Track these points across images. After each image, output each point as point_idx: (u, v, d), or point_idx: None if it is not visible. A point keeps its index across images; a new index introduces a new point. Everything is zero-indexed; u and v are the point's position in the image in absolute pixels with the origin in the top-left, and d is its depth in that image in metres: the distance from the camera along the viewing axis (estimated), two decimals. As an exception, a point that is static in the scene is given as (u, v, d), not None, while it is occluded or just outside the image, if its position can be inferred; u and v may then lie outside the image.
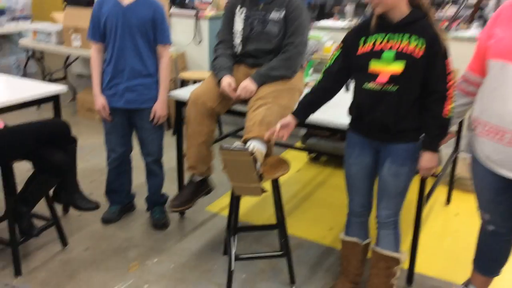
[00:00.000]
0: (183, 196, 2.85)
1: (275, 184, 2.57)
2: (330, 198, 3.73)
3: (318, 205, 3.62)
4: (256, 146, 2.43)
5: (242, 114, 2.88)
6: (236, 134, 3.98)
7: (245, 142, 2.50)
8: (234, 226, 2.58)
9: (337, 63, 2.32)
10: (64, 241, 2.94)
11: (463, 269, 2.87)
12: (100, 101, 2.97)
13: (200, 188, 2.90)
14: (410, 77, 2.14)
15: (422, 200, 2.58)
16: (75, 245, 2.99)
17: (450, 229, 3.35)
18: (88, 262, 2.82)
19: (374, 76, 2.19)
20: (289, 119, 2.36)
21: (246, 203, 3.54)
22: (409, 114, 2.20)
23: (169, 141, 3.77)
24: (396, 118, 2.20)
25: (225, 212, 3.43)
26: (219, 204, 3.56)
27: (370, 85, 2.19)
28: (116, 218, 3.27)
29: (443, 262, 2.96)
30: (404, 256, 2.45)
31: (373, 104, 2.21)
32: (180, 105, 3.13)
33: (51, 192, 2.82)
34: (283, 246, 2.69)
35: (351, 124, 2.40)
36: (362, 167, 2.39)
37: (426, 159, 2.22)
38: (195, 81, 4.62)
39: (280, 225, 2.65)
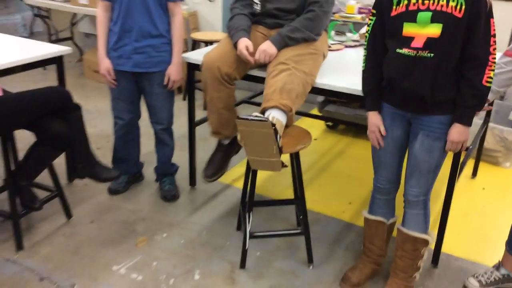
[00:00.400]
0: (215, 163, 2.71)
1: (296, 157, 2.36)
2: (349, 169, 3.52)
3: (336, 177, 3.42)
4: (276, 117, 2.21)
5: (259, 80, 2.65)
6: (250, 100, 3.75)
7: (263, 111, 2.29)
8: (249, 202, 2.39)
9: (377, 33, 2.10)
10: (68, 213, 2.78)
11: (492, 249, 2.69)
12: (104, 64, 2.74)
13: (229, 150, 2.77)
14: (448, 41, 1.90)
15: (454, 177, 2.37)
16: (80, 217, 2.83)
17: (476, 205, 3.14)
18: (94, 237, 2.66)
19: (408, 41, 1.96)
20: (375, 117, 2.17)
21: (261, 175, 3.35)
22: (448, 83, 1.97)
23: (179, 106, 3.56)
24: (433, 88, 1.97)
25: (239, 184, 3.25)
26: (232, 174, 3.38)
27: (404, 51, 1.96)
28: (123, 189, 3.09)
29: (470, 240, 2.77)
30: (432, 237, 2.26)
31: (406, 73, 1.99)
32: (192, 68, 2.90)
33: (61, 167, 2.61)
34: (301, 224, 2.50)
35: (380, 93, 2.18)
36: (393, 140, 2.18)
37: (457, 132, 2.00)
38: (207, 43, 4.35)
39: (299, 201, 2.46)
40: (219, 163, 2.72)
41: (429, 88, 1.97)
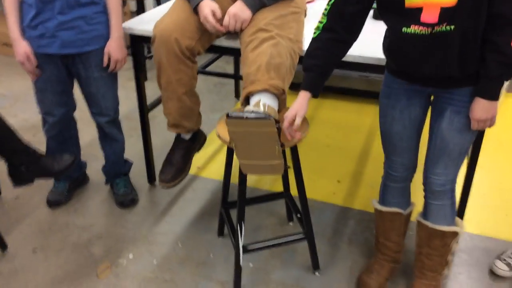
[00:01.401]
0: (173, 164, 2.15)
1: (293, 149, 1.88)
2: (326, 138, 3.08)
3: (313, 149, 2.98)
4: (268, 103, 1.71)
5: (230, 51, 2.10)
6: (205, 70, 3.18)
7: (248, 96, 1.78)
8: (240, 211, 1.89)
9: None
10: (1, 243, 2.17)
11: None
12: (21, 48, 2.07)
13: (191, 146, 2.22)
14: (470, 6, 1.45)
15: (476, 155, 2.01)
16: (17, 246, 2.22)
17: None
18: (41, 273, 2.08)
19: (415, 15, 1.50)
20: (304, 102, 1.68)
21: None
22: (479, 53, 1.54)
23: (123, 87, 2.94)
24: (462, 65, 1.55)
25: (207, 173, 2.73)
26: (196, 161, 2.83)
27: (413, 29, 1.51)
28: (66, 199, 2.49)
29: (490, 217, 2.46)
30: (462, 226, 1.89)
31: (423, 57, 1.55)
32: (137, 42, 2.29)
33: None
34: (303, 224, 2.06)
35: (391, 68, 1.72)
36: (411, 122, 1.76)
37: (482, 108, 1.58)
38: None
39: (301, 198, 1.99)
40: (179, 164, 2.16)
41: (457, 66, 1.55)
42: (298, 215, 2.11)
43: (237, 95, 3.61)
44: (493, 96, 1.57)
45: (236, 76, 3.47)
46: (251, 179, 2.65)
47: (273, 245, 2.00)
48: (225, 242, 2.24)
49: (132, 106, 3.34)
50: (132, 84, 2.80)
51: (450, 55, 1.52)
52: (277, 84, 1.75)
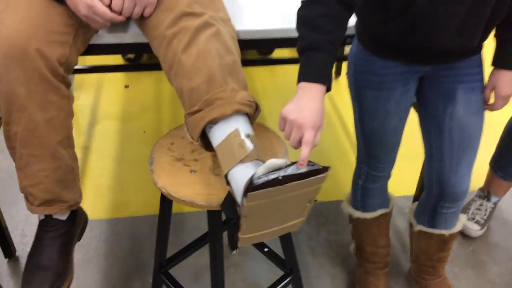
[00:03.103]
0: (45, 267, 1.27)
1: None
2: (268, 113, 2.50)
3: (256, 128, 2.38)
4: (250, 134, 1.09)
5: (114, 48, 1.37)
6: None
7: (209, 124, 1.13)
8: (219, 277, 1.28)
9: None
10: None
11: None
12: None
13: (71, 232, 1.37)
14: None
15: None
16: None
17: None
18: None
19: None
20: (322, 103, 1.02)
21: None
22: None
23: None
24: (482, 36, 1.19)
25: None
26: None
27: None
28: None
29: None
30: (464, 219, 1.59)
31: (431, 28, 1.13)
32: None
33: None
34: (287, 262, 1.54)
35: (383, 51, 1.25)
36: (406, 111, 1.36)
37: (509, 81, 1.25)
38: None
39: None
40: (55, 265, 1.29)
41: (475, 38, 1.17)
42: (266, 249, 1.57)
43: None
44: None
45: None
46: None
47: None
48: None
49: None
50: None
51: (479, 24, 1.13)
52: (246, 97, 1.14)
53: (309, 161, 0.92)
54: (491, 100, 1.29)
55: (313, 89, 0.99)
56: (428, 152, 1.37)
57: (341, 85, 2.90)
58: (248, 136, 1.09)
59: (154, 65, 2.36)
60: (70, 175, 1.29)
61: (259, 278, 1.72)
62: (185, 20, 1.17)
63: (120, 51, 1.43)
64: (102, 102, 2.65)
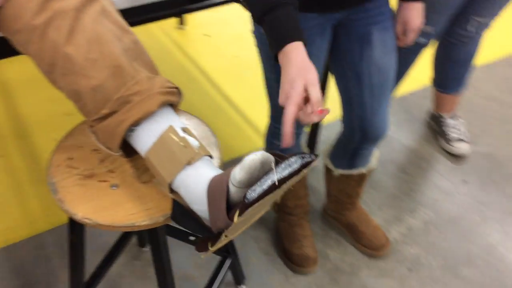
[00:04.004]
0: None
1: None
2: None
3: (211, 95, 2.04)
4: (181, 128, 0.91)
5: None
6: None
7: (129, 129, 0.91)
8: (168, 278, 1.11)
9: None
10: None
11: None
12: None
13: None
14: None
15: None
16: None
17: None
18: None
19: None
20: (307, 57, 0.90)
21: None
22: None
23: None
24: None
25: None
26: None
27: None
28: None
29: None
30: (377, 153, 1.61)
31: None
32: None
33: None
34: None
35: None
36: (323, 63, 1.27)
37: (419, 12, 1.25)
38: None
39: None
40: None
41: None
42: (192, 238, 1.42)
43: None
44: None
45: None
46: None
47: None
48: None
49: None
50: None
51: None
52: (165, 83, 0.94)
53: (298, 153, 0.79)
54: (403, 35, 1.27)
55: (295, 53, 0.88)
56: (347, 101, 1.32)
57: (189, 34, 2.72)
58: (185, 131, 0.90)
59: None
60: None
61: (187, 268, 1.57)
62: (57, 0, 0.89)
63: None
64: None
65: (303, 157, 0.77)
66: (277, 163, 0.78)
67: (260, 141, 2.06)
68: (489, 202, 1.86)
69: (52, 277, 1.51)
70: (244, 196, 0.74)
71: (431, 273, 1.60)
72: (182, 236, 1.40)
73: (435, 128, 2.15)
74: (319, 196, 1.82)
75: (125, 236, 1.40)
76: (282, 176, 0.75)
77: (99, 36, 0.89)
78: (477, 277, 1.60)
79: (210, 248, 0.87)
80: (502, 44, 2.81)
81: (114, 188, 0.97)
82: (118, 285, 1.50)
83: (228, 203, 0.81)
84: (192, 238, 1.40)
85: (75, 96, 0.92)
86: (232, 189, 0.79)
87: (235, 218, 0.76)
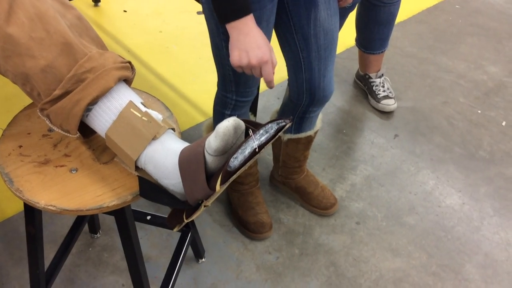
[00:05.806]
0: None
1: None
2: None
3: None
4: (141, 102, 0.89)
5: None
6: None
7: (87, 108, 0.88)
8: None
9: None
10: None
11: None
12: None
13: None
14: None
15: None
16: None
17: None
18: None
19: None
20: (258, 28, 0.99)
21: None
22: None
23: None
24: None
25: None
26: None
27: None
28: None
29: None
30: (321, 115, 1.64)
31: None
32: None
33: None
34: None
35: None
36: (272, 28, 1.26)
37: None
38: None
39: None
40: None
41: None
42: (148, 217, 1.39)
43: None
44: None
45: None
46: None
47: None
48: None
49: None
50: None
51: None
52: (116, 58, 0.90)
53: (276, 119, 0.79)
54: None
55: (245, 24, 0.88)
56: (294, 65, 1.32)
57: (106, 11, 2.60)
58: (144, 105, 0.87)
59: None
60: None
61: (143, 249, 1.54)
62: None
63: None
64: None
65: (278, 123, 0.78)
66: (249, 130, 0.79)
67: (198, 115, 2.04)
68: (420, 153, 1.98)
69: (2, 276, 1.43)
70: (227, 164, 0.74)
71: (377, 224, 1.69)
72: (138, 217, 1.37)
73: (363, 88, 2.24)
74: (265, 164, 1.85)
75: (78, 224, 1.34)
76: (261, 142, 0.75)
77: (42, 12, 0.84)
78: (419, 223, 1.71)
79: (185, 220, 0.87)
80: (413, 1, 2.96)
81: (73, 172, 0.93)
82: (75, 274, 1.45)
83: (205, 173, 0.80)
84: (148, 217, 1.38)
85: (22, 80, 0.86)
86: (209, 158, 0.79)
87: (217, 187, 0.75)
